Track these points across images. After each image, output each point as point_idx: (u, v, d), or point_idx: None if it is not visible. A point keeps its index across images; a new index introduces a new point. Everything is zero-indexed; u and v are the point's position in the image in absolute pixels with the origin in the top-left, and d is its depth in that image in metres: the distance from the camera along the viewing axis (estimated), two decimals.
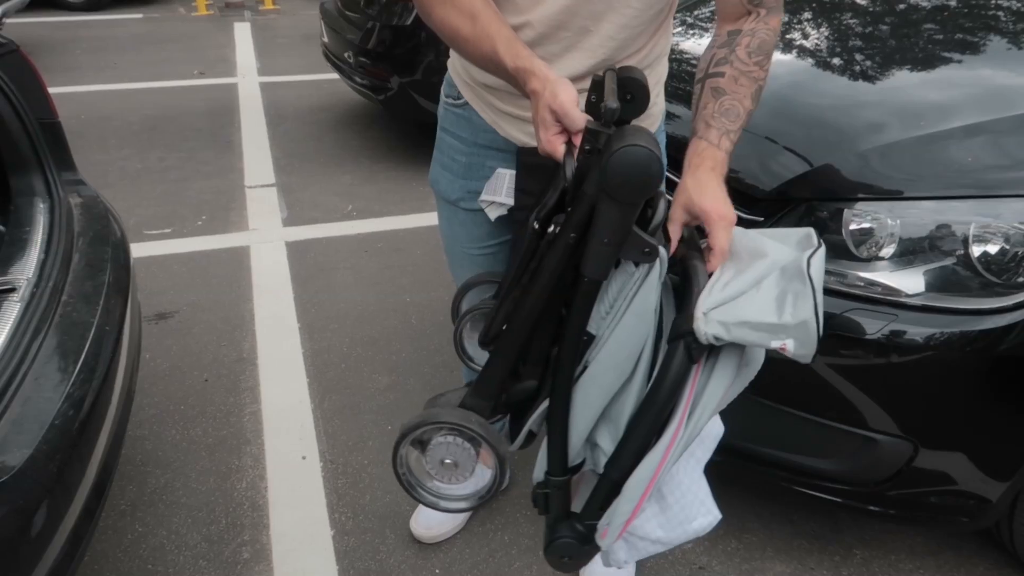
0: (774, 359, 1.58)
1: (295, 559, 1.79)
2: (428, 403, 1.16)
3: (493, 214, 1.39)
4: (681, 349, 0.96)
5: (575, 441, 1.09)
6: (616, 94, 0.97)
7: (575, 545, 1.13)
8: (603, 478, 1.07)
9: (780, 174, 1.68)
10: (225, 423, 2.21)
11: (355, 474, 2.04)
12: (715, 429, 1.18)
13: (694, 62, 2.08)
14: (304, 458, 2.09)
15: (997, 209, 1.49)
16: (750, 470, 1.72)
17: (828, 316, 1.50)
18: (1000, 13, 2.32)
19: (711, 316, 0.93)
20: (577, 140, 0.95)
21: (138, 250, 3.12)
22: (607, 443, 1.07)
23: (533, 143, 1.02)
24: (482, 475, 1.13)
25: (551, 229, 0.98)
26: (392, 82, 3.87)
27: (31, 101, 1.83)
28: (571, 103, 0.95)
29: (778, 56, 2.21)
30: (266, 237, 3.32)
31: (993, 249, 1.46)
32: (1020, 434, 1.51)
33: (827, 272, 1.53)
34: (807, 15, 2.48)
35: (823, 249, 1.01)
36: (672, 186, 1.90)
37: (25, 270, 1.56)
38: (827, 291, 1.53)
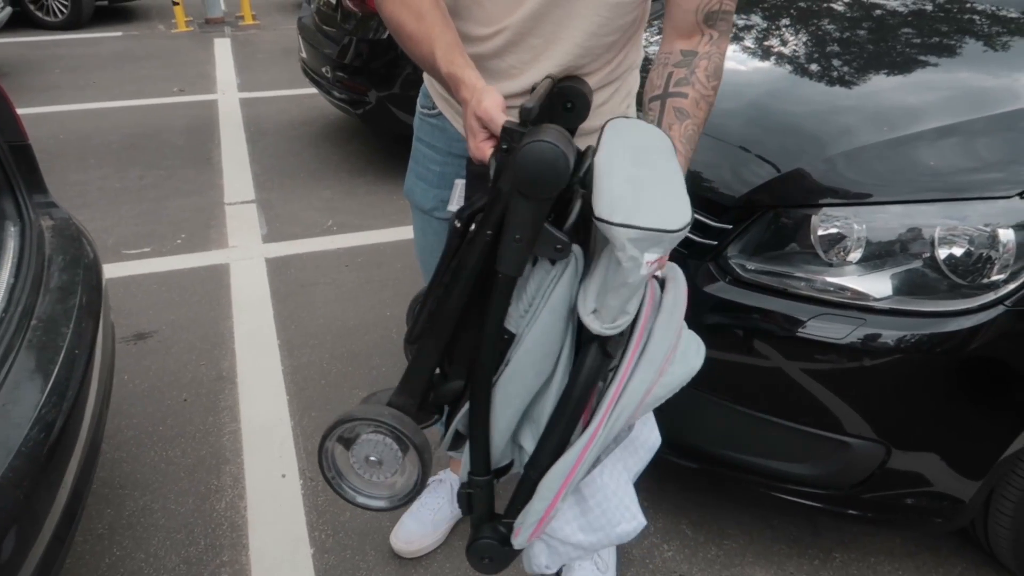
0: (749, 366, 1.59)
1: None
2: (361, 401, 1.18)
3: None
4: (595, 348, 0.97)
5: (497, 441, 1.10)
6: (542, 98, 0.99)
7: (495, 546, 1.13)
8: (523, 478, 1.08)
9: (750, 181, 1.69)
10: (204, 443, 2.20)
11: (334, 492, 2.03)
12: (651, 440, 1.18)
13: None
14: (284, 476, 2.08)
15: (963, 211, 1.50)
16: (728, 477, 1.73)
17: (799, 322, 1.52)
18: (976, 16, 2.35)
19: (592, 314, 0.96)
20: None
21: (117, 270, 3.12)
22: (529, 443, 1.08)
23: None
24: (411, 475, 1.14)
25: (471, 228, 1.01)
26: (370, 96, 3.88)
27: (0, 124, 1.82)
28: (495, 108, 0.96)
29: (756, 63, 2.23)
30: (246, 254, 3.32)
31: (959, 251, 1.48)
32: (991, 433, 1.53)
33: (797, 278, 1.55)
34: (785, 21, 2.50)
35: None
36: None
37: None
38: (797, 296, 1.54)
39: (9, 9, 6.54)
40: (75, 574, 1.78)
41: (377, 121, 4.02)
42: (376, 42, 3.78)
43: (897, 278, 1.50)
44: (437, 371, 1.14)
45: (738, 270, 1.61)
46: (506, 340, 1.05)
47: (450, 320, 1.06)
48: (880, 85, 2.00)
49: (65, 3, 7.75)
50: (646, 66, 1.32)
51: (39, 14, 7.77)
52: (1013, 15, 2.32)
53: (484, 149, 0.99)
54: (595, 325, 0.96)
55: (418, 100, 1.48)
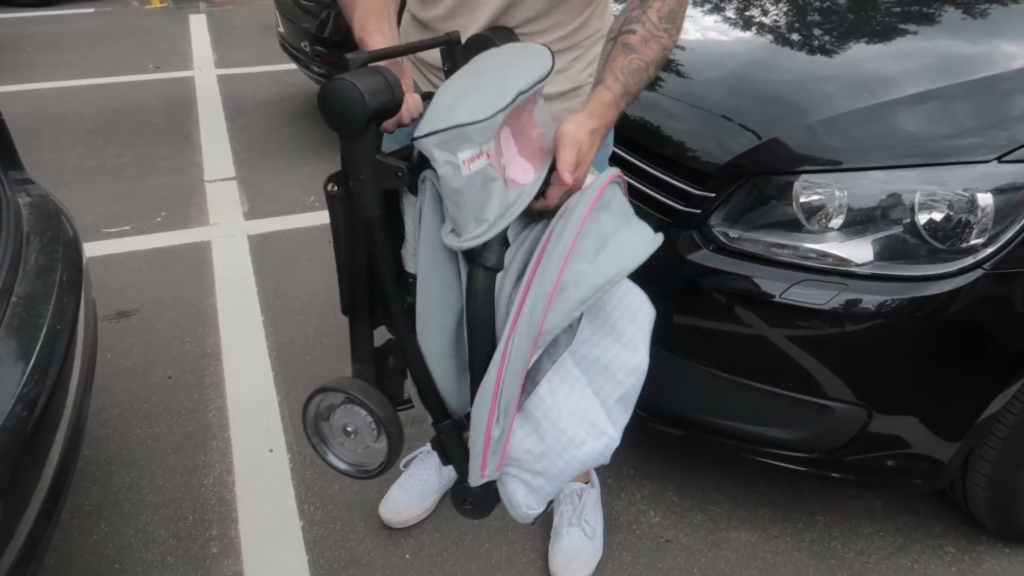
0: (733, 333, 1.60)
1: (265, 551, 1.79)
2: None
3: None
4: (473, 266, 1.00)
5: (440, 384, 1.12)
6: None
7: (471, 489, 1.15)
8: (468, 419, 1.10)
9: (732, 149, 1.69)
10: (190, 419, 2.20)
11: (322, 465, 2.03)
12: (631, 362, 1.19)
13: None
14: (271, 451, 2.09)
15: (942, 176, 1.52)
16: (712, 443, 1.75)
17: (782, 289, 1.53)
18: None
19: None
20: None
21: (97, 249, 3.09)
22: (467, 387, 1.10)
23: None
24: (384, 446, 1.19)
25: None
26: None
27: None
28: None
29: (737, 33, 2.23)
30: (227, 231, 3.29)
31: (938, 216, 1.49)
32: (969, 395, 1.55)
33: (779, 245, 1.56)
34: None
35: None
36: (618, 162, 1.92)
37: None
38: (780, 263, 1.56)
39: None
40: (64, 550, 1.78)
41: None
42: None
43: (878, 244, 1.51)
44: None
45: (721, 238, 1.61)
46: (411, 283, 1.08)
47: (349, 276, 1.10)
48: (861, 53, 2.01)
49: None
50: None
51: None
52: None
53: None
54: (452, 241, 0.98)
55: None
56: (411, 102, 1.10)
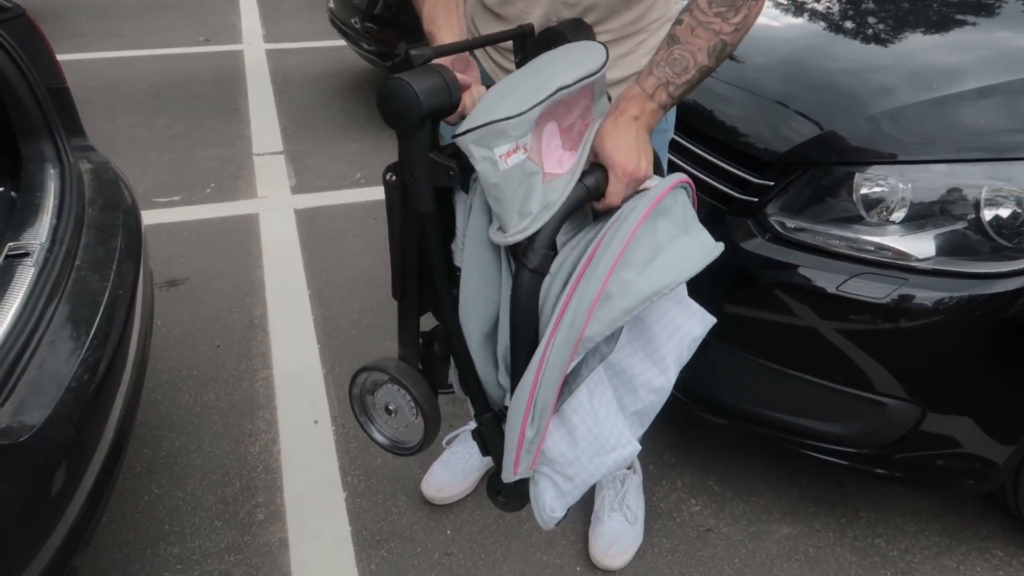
0: (787, 325, 1.58)
1: (309, 520, 1.82)
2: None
3: None
4: (518, 267, 1.01)
5: (482, 375, 1.15)
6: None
7: (507, 483, 1.16)
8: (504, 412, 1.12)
9: (790, 138, 1.67)
10: (237, 388, 2.24)
11: (366, 438, 2.05)
12: (655, 383, 1.18)
13: None
14: (316, 422, 2.12)
15: (1010, 172, 1.48)
16: (758, 434, 1.74)
17: (838, 281, 1.51)
18: None
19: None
20: None
21: (148, 218, 3.12)
22: (506, 379, 1.11)
23: None
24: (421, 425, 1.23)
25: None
26: (399, 48, 3.84)
27: (39, 67, 1.83)
28: None
29: (790, 20, 2.19)
30: (275, 205, 3.33)
31: (1005, 213, 1.46)
32: None
33: (837, 237, 1.54)
34: None
35: None
36: (679, 149, 1.89)
37: (38, 235, 1.57)
38: (837, 255, 1.53)
39: None
40: (116, 510, 1.83)
41: None
42: None
43: (940, 239, 1.48)
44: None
45: (778, 227, 1.60)
46: (458, 276, 1.10)
47: (409, 268, 1.14)
48: (917, 44, 1.97)
49: None
50: None
51: None
52: None
53: None
54: (499, 238, 0.99)
55: None
56: (475, 94, 1.10)
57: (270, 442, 2.05)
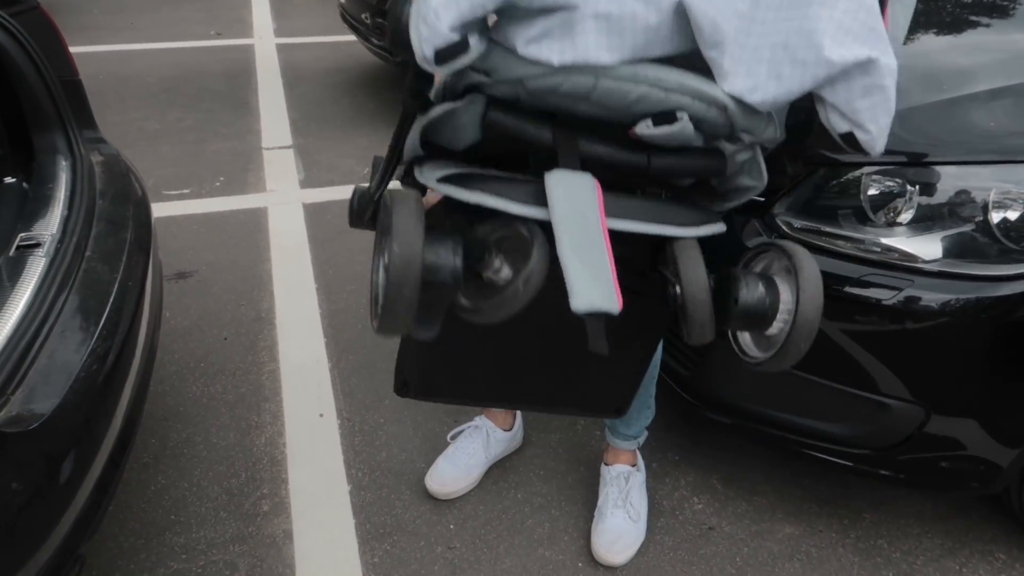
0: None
1: (313, 512, 1.83)
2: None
3: None
4: None
5: None
6: None
7: None
8: None
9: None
10: (244, 380, 2.25)
11: (371, 432, 2.08)
12: None
13: None
14: (321, 416, 2.13)
15: (1018, 175, 1.48)
16: (762, 433, 1.74)
17: (845, 282, 1.51)
18: None
19: None
20: None
21: (157, 210, 3.13)
22: None
23: None
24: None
25: None
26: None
27: (52, 59, 1.84)
28: None
29: None
30: (283, 199, 3.34)
31: (1013, 215, 1.45)
32: None
33: (844, 237, 1.54)
34: None
35: None
36: None
37: (49, 226, 1.58)
38: (843, 256, 1.53)
39: None
40: (123, 500, 1.84)
41: None
42: None
43: (947, 241, 1.48)
44: None
45: (784, 227, 1.59)
46: None
47: None
48: (930, 45, 1.96)
49: None
50: None
51: None
52: None
53: None
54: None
55: None
56: None
57: (276, 434, 2.06)
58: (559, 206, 0.94)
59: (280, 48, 5.40)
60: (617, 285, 0.91)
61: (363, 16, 4.13)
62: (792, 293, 1.05)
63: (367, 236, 3.08)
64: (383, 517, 1.83)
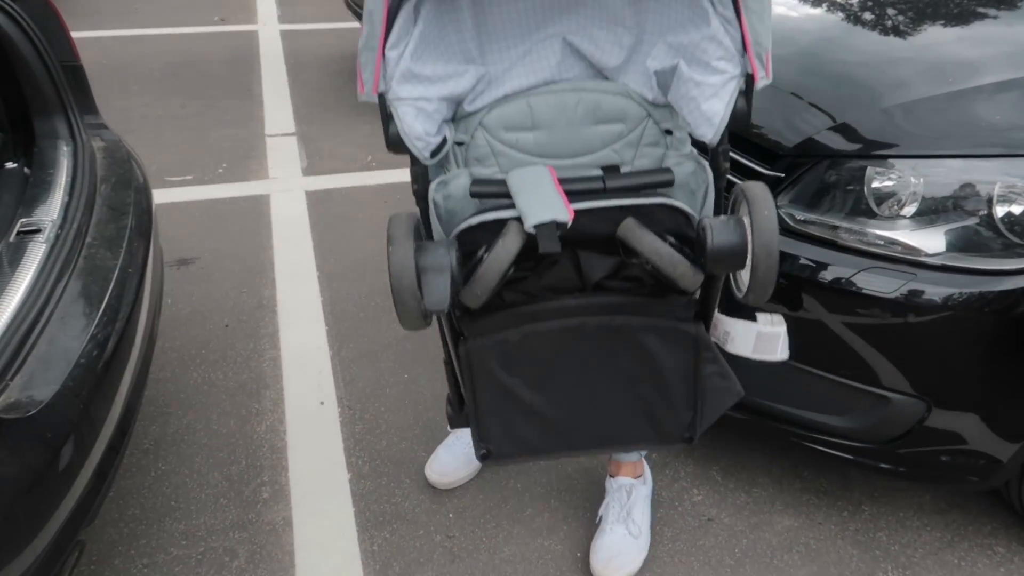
0: (793, 317, 1.58)
1: (313, 500, 1.84)
2: None
3: None
4: None
5: None
6: None
7: None
8: None
9: (803, 130, 1.66)
10: (245, 367, 2.25)
11: (372, 420, 2.08)
12: None
13: None
14: (322, 403, 2.13)
15: (1023, 169, 1.47)
16: (762, 425, 1.74)
17: (847, 275, 1.50)
18: None
19: None
20: None
21: (160, 196, 3.14)
22: None
23: None
24: None
25: None
26: None
27: (53, 44, 1.84)
28: None
29: (809, 11, 2.17)
30: (286, 186, 3.33)
31: (1017, 210, 1.45)
32: None
33: (846, 230, 1.53)
34: None
35: None
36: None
37: (50, 212, 1.58)
38: (846, 249, 1.53)
39: None
40: (123, 486, 1.85)
41: None
42: None
43: (951, 234, 1.48)
44: None
45: (787, 220, 1.59)
46: None
47: None
48: (937, 37, 1.95)
49: None
50: None
51: None
52: None
53: None
54: None
55: None
56: None
57: (276, 422, 2.06)
58: (514, 178, 1.14)
59: (284, 35, 5.38)
60: (567, 203, 1.06)
61: None
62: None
63: (369, 224, 3.10)
64: (382, 505, 1.84)
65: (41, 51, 1.79)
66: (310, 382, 2.21)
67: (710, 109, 1.13)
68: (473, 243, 1.14)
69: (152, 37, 5.22)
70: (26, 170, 1.79)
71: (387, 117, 1.13)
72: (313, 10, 5.96)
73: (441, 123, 1.21)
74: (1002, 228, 1.44)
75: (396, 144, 1.14)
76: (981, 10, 2.05)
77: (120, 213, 1.70)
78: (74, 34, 1.94)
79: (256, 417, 2.08)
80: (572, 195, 1.12)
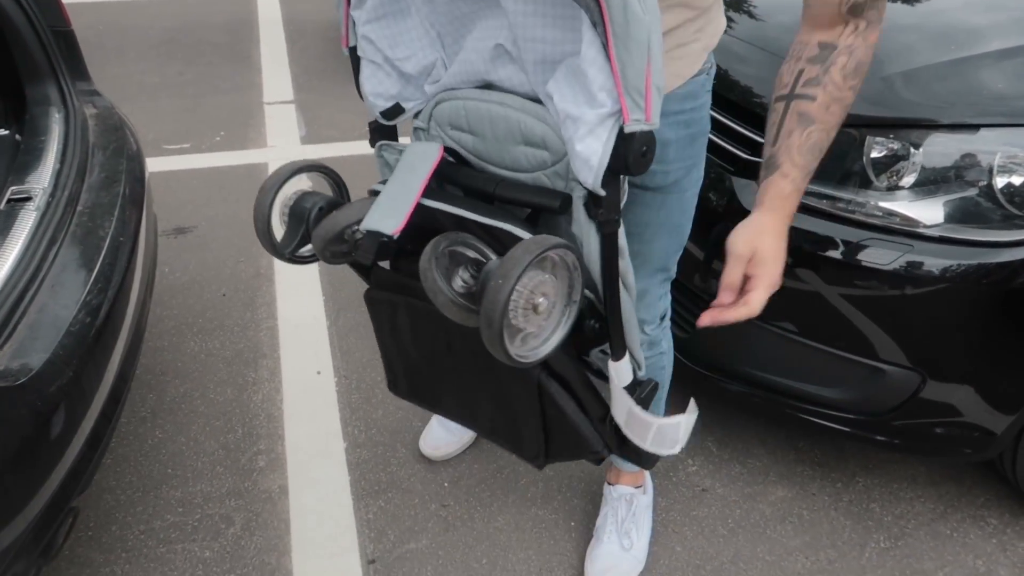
0: (788, 289, 1.57)
1: (309, 468, 1.85)
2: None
3: None
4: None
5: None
6: None
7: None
8: None
9: None
10: (242, 337, 2.25)
11: (368, 390, 2.08)
12: None
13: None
14: (319, 373, 2.13)
15: None
16: (757, 397, 1.74)
17: (844, 246, 1.49)
18: None
19: None
20: None
21: (157, 164, 3.14)
22: None
23: None
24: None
25: None
26: None
27: (43, 9, 1.81)
28: None
29: None
30: (284, 155, 3.31)
31: (1018, 181, 1.43)
32: None
33: (844, 200, 1.51)
34: None
35: None
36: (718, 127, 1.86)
37: (41, 179, 1.57)
38: (843, 220, 1.51)
39: None
40: (120, 453, 1.86)
41: None
42: None
43: (950, 205, 1.46)
44: None
45: None
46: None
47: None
48: (945, 3, 1.91)
49: None
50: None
51: None
52: None
53: None
54: None
55: None
56: None
57: (273, 391, 2.07)
58: (405, 155, 1.13)
59: (283, 1, 5.32)
60: (407, 218, 1.03)
61: None
62: None
63: (366, 195, 3.06)
64: (378, 474, 1.84)
65: (31, 16, 1.77)
66: (307, 352, 2.21)
67: (585, 150, 0.88)
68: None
69: (148, 3, 5.17)
70: (17, 137, 1.77)
71: (356, 70, 1.16)
72: None
73: (398, 90, 1.17)
74: (1002, 199, 1.43)
75: (362, 97, 1.18)
76: None
77: (112, 181, 1.68)
78: (69, 0, 1.92)
79: (253, 386, 2.08)
80: (458, 192, 1.09)
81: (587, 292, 1.04)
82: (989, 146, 1.45)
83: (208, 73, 4.10)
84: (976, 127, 1.48)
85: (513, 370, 1.14)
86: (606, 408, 1.17)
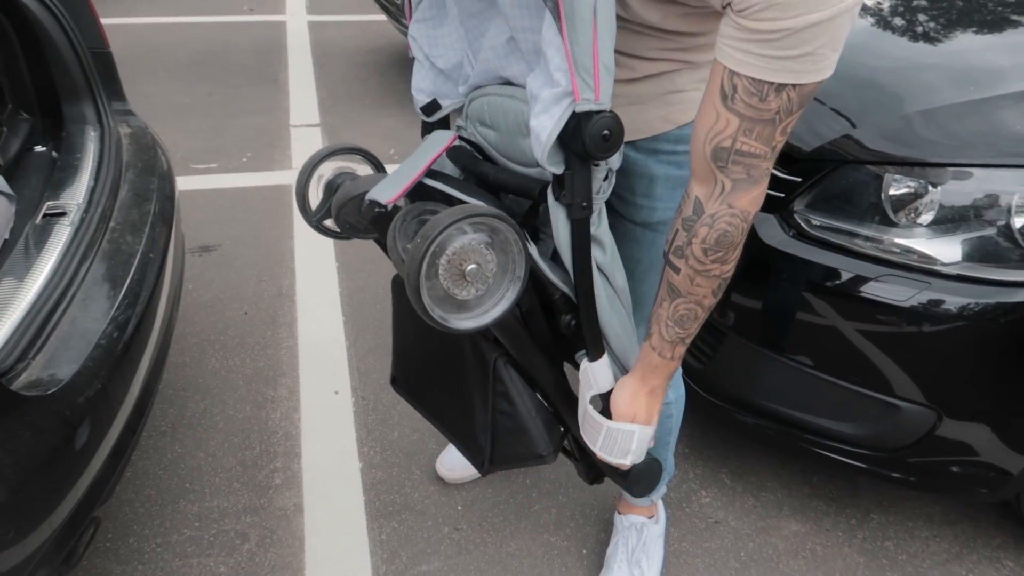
0: (805, 323, 1.58)
1: (324, 487, 1.86)
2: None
3: None
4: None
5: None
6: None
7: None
8: None
9: (822, 134, 1.65)
10: (263, 355, 2.29)
11: (385, 411, 2.10)
12: None
13: None
14: (337, 393, 2.16)
15: None
16: (771, 429, 1.74)
17: (861, 281, 1.50)
18: None
19: None
20: None
21: (184, 183, 3.20)
22: None
23: None
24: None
25: None
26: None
27: (83, 30, 1.87)
28: None
29: None
30: None
31: None
32: None
33: (862, 236, 1.53)
34: None
35: None
36: None
37: (75, 195, 1.61)
38: (861, 255, 1.52)
39: None
40: (140, 466, 1.88)
41: None
42: None
43: (968, 244, 1.47)
44: None
45: (803, 224, 1.59)
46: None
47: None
48: (968, 44, 1.92)
49: None
50: None
51: None
52: None
53: None
54: None
55: None
56: None
57: (291, 409, 2.09)
58: (426, 140, 1.21)
59: (312, 25, 5.42)
60: (402, 191, 1.09)
61: None
62: None
63: None
64: (392, 495, 1.86)
65: (71, 37, 1.83)
66: (326, 371, 2.24)
67: (538, 126, 0.91)
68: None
69: (182, 25, 5.28)
70: (54, 154, 1.82)
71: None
72: (341, 2, 6.00)
73: (434, 87, 1.25)
74: (1020, 239, 1.43)
75: None
76: (1015, 17, 2.03)
77: (144, 199, 1.73)
78: (104, 21, 1.98)
79: (271, 404, 2.11)
80: (462, 173, 1.17)
81: (562, 286, 1.06)
82: (1008, 186, 1.46)
83: (237, 95, 4.18)
84: (995, 167, 1.49)
85: (477, 354, 1.20)
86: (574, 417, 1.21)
